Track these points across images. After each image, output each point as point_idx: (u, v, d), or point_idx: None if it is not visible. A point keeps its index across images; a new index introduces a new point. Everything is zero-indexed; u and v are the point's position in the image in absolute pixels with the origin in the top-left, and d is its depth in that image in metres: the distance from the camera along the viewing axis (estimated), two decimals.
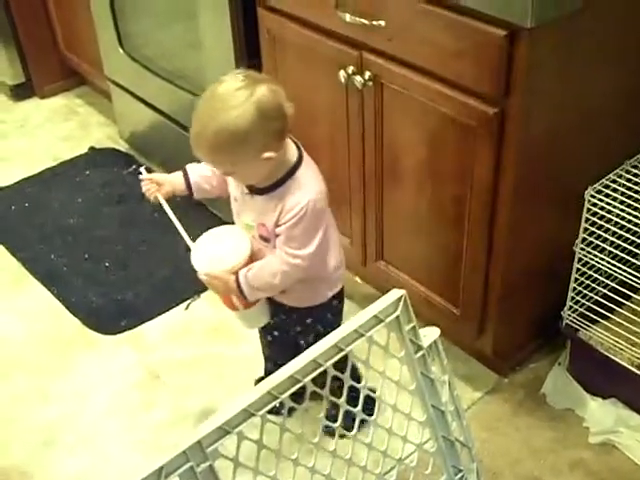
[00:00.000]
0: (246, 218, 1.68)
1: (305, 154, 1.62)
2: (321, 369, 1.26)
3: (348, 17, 1.83)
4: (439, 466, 1.50)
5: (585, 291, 1.98)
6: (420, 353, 1.41)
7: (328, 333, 1.77)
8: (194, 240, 1.76)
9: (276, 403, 1.22)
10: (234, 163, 1.54)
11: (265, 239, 1.65)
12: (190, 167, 1.78)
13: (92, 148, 3.10)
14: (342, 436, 1.37)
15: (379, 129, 1.95)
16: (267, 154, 1.51)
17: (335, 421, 1.32)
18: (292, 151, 1.60)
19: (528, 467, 1.92)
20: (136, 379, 2.18)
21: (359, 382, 1.34)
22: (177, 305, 2.41)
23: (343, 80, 1.91)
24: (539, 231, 1.90)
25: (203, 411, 2.08)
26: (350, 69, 1.90)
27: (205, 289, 2.41)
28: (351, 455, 1.36)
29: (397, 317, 1.36)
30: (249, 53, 2.23)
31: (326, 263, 1.71)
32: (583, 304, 2.00)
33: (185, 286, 2.43)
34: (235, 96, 1.48)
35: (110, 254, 2.59)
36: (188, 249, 1.74)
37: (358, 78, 1.88)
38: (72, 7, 3.09)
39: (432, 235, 1.98)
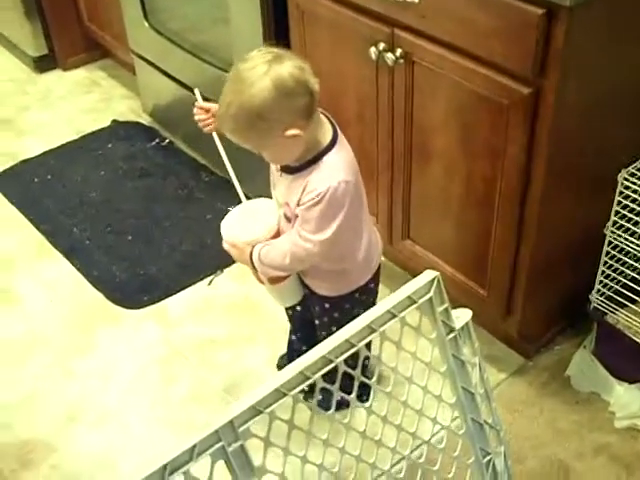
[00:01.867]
0: (277, 193, 1.67)
1: (341, 137, 1.58)
2: (353, 349, 1.25)
3: None
4: (467, 449, 1.49)
5: (614, 274, 1.95)
6: (452, 335, 1.39)
7: (344, 321, 1.78)
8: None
9: (308, 383, 1.21)
10: (260, 142, 1.52)
11: (288, 218, 1.64)
12: None
13: (115, 121, 3.09)
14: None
15: (409, 107, 1.92)
16: (292, 132, 1.47)
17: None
18: (326, 132, 1.56)
19: (552, 450, 1.91)
20: (159, 355, 2.18)
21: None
22: (200, 280, 2.40)
23: (374, 57, 1.89)
24: (569, 212, 1.88)
25: (226, 387, 2.08)
26: (381, 46, 1.87)
27: (228, 265, 2.42)
28: (381, 436, 1.35)
29: (430, 298, 1.35)
30: (277, 28, 2.20)
31: (352, 256, 1.68)
32: (611, 287, 1.97)
33: (208, 261, 2.44)
34: (253, 73, 1.45)
35: (133, 228, 2.58)
36: (239, 201, 1.75)
37: (389, 55, 1.85)
38: None
39: (460, 214, 1.96)
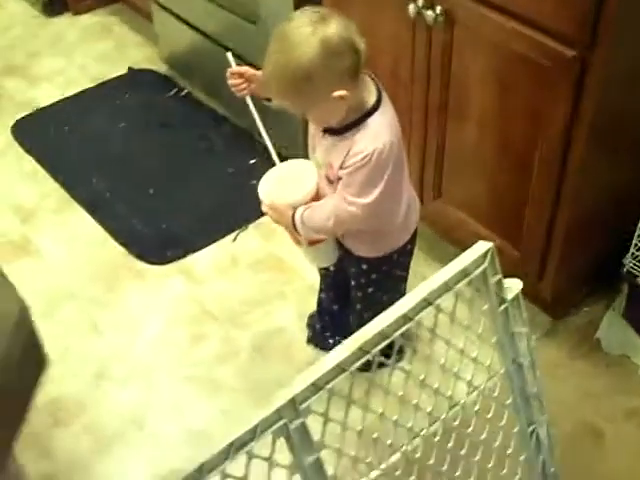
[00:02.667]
0: (318, 155, 1.63)
1: (385, 98, 1.54)
2: (410, 324, 1.24)
3: None
4: (510, 416, 1.49)
5: None
6: (503, 306, 1.38)
7: (381, 282, 1.79)
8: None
9: (367, 358, 1.20)
10: (305, 103, 1.48)
11: (330, 180, 1.61)
12: None
13: (131, 69, 3.02)
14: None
15: (446, 65, 1.88)
16: (338, 92, 1.43)
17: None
18: (371, 93, 1.53)
19: (583, 413, 1.91)
20: (186, 312, 2.17)
21: None
22: (224, 236, 2.37)
23: (412, 14, 1.83)
24: (607, 176, 1.85)
25: (254, 346, 2.07)
26: (420, 2, 1.82)
27: (252, 220, 2.39)
28: (432, 409, 1.34)
29: (484, 270, 1.33)
30: None
31: (390, 218, 1.66)
32: None
33: (232, 216, 2.41)
34: (299, 33, 1.41)
35: (154, 181, 2.54)
36: (272, 164, 1.71)
37: (429, 12, 1.80)
38: None
39: (496, 175, 1.93)
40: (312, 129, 1.64)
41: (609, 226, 1.99)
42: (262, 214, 2.36)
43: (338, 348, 1.18)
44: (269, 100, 1.64)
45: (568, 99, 1.63)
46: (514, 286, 1.41)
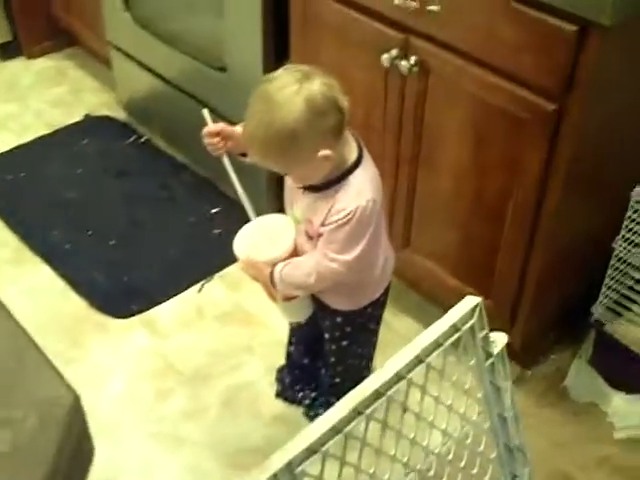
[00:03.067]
0: (296, 210, 1.61)
1: (366, 154, 1.53)
2: (402, 382, 1.22)
3: None
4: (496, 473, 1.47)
5: (616, 285, 1.96)
6: (490, 361, 1.37)
7: (356, 335, 1.77)
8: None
9: (361, 419, 1.17)
10: (288, 163, 1.46)
11: (309, 236, 1.58)
12: None
13: (88, 115, 2.98)
14: None
15: (419, 116, 1.88)
16: (323, 152, 1.41)
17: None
18: (352, 148, 1.51)
19: (555, 462, 1.90)
20: (150, 366, 2.11)
21: None
22: (189, 287, 2.33)
23: (386, 64, 1.84)
24: (581, 223, 1.88)
25: (220, 401, 2.02)
26: (394, 52, 1.82)
27: (217, 270, 2.35)
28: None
29: (472, 325, 1.32)
30: (276, 26, 2.13)
31: (369, 271, 1.64)
32: (611, 298, 1.98)
33: (196, 267, 2.37)
34: (283, 93, 1.39)
35: (115, 231, 2.49)
36: (248, 220, 1.67)
37: (404, 63, 1.80)
38: None
39: (468, 224, 1.94)
40: (289, 182, 1.62)
41: (579, 272, 2.01)
42: (227, 264, 2.37)
43: (332, 409, 1.16)
44: (244, 155, 1.63)
45: (544, 149, 1.65)
46: (499, 340, 1.40)
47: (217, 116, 2.43)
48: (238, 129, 1.61)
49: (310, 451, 1.12)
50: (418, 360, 1.24)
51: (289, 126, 1.37)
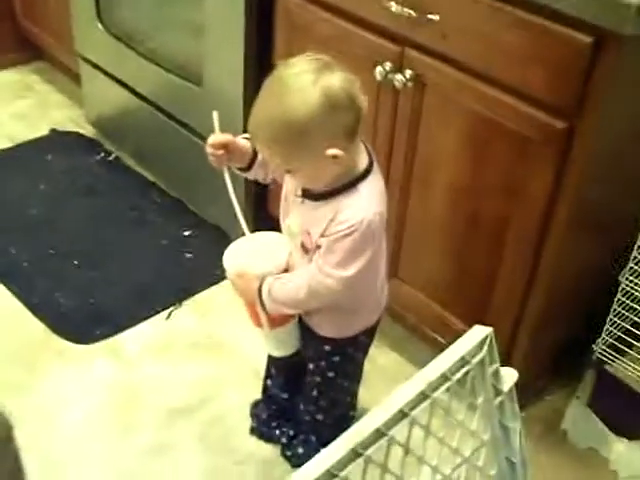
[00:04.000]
0: (292, 222, 1.48)
1: (376, 166, 1.41)
2: (407, 419, 1.08)
3: (394, 7, 1.64)
4: None
5: (619, 322, 1.84)
6: (499, 399, 1.23)
7: (343, 366, 1.62)
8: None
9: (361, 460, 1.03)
10: (294, 158, 1.33)
11: (306, 250, 1.45)
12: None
13: (53, 130, 2.82)
14: None
15: (413, 133, 1.76)
16: (332, 151, 1.30)
17: None
18: (363, 157, 1.39)
19: None
20: (114, 398, 1.93)
21: None
22: (157, 313, 2.16)
23: (379, 77, 1.72)
24: (586, 259, 1.76)
25: (193, 437, 1.86)
26: (388, 66, 1.71)
27: (187, 297, 2.21)
28: None
29: (482, 358, 1.18)
30: (259, 37, 2.01)
31: (366, 295, 1.52)
32: (614, 335, 1.86)
33: (165, 292, 2.22)
34: (300, 80, 1.28)
35: (79, 251, 2.32)
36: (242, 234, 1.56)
37: (398, 76, 1.69)
38: None
39: (463, 255, 1.81)
40: (285, 191, 1.49)
41: (581, 308, 1.89)
42: (198, 290, 2.22)
43: (327, 449, 1.01)
44: (242, 170, 1.53)
45: (551, 171, 1.53)
46: (509, 376, 1.27)
47: (191, 132, 2.31)
48: (242, 141, 1.50)
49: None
50: (423, 396, 1.10)
51: (300, 116, 1.26)
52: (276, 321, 1.54)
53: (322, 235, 1.38)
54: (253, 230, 1.55)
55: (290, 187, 1.47)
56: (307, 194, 1.41)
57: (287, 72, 1.30)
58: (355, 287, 1.42)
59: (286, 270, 1.50)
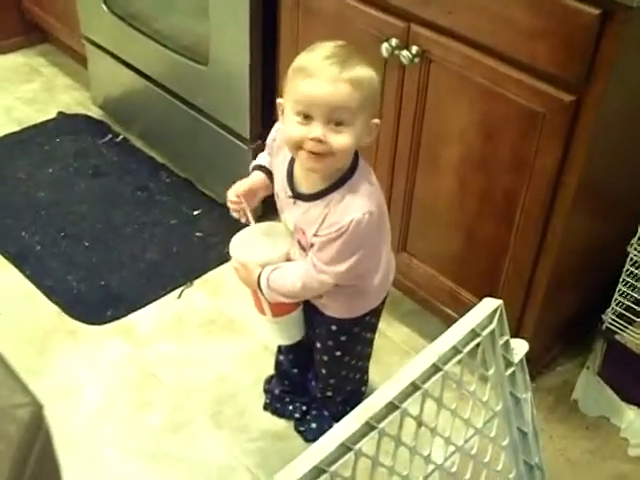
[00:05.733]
0: (287, 220, 1.50)
1: (361, 160, 1.43)
2: (419, 392, 1.09)
3: None
4: None
5: (629, 291, 1.85)
6: (510, 370, 1.25)
7: (350, 345, 1.64)
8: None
9: (375, 433, 1.04)
10: (365, 110, 1.34)
11: (302, 247, 1.48)
12: (258, 162, 1.58)
13: (61, 113, 2.82)
14: None
15: (420, 110, 1.76)
16: (376, 120, 1.38)
17: None
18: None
19: None
20: (129, 377, 1.96)
21: None
22: (168, 293, 2.18)
23: (386, 54, 1.72)
24: (593, 228, 1.76)
25: (207, 414, 1.88)
26: (394, 42, 1.71)
27: (198, 275, 2.22)
28: None
29: (492, 330, 1.20)
30: (264, 15, 2.01)
31: (369, 280, 1.53)
32: (623, 305, 1.87)
33: (176, 272, 2.23)
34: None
35: (89, 233, 2.33)
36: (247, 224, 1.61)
37: (405, 53, 1.69)
38: None
39: (471, 229, 1.81)
40: (276, 189, 1.51)
41: (590, 278, 1.90)
42: (209, 269, 2.24)
43: (341, 423, 1.03)
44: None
45: (559, 145, 1.53)
46: (519, 347, 1.29)
47: (198, 112, 2.32)
48: (253, 183, 1.55)
49: (318, 471, 0.99)
50: (435, 369, 1.12)
51: (376, 81, 1.36)
52: (280, 310, 1.56)
53: (315, 235, 1.41)
54: (258, 220, 1.58)
55: (280, 184, 1.49)
56: (298, 195, 1.44)
57: (337, 44, 1.35)
58: (352, 277, 1.45)
59: (289, 260, 1.52)
